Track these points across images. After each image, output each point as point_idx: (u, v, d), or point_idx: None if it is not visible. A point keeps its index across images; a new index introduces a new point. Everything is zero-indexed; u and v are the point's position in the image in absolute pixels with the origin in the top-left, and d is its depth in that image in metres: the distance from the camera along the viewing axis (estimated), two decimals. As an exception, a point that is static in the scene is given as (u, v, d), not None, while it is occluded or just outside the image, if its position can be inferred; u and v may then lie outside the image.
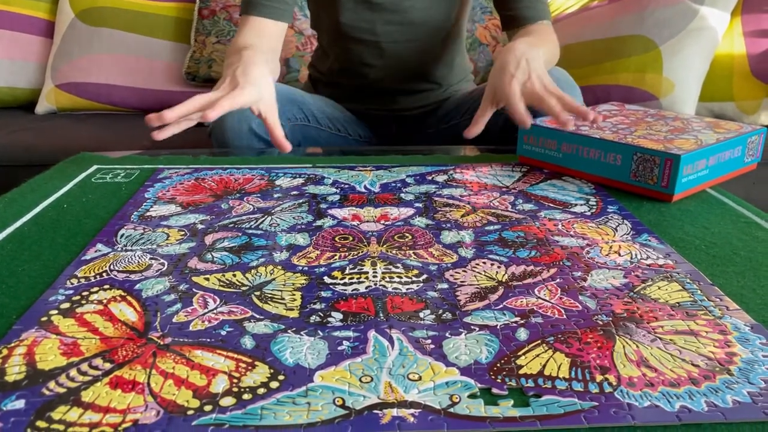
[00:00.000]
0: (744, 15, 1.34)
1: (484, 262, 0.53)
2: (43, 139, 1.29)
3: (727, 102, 1.30)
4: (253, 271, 0.51)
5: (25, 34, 1.61)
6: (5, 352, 0.40)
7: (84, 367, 0.38)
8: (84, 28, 1.58)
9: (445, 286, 0.49)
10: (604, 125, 0.78)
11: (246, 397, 0.36)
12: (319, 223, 0.62)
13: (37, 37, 1.62)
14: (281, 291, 0.48)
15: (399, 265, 0.52)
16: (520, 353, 0.40)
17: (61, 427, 0.33)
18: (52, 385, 0.37)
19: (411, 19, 1.07)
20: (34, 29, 1.62)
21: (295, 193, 0.71)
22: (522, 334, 0.42)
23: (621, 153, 0.70)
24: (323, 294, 0.47)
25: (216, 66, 1.58)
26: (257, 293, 0.48)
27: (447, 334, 0.42)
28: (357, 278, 0.50)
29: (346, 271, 0.51)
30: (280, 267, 0.52)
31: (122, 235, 0.59)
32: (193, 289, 0.48)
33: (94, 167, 0.80)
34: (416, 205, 0.67)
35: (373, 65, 1.11)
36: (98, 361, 0.39)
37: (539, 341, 0.41)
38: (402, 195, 0.70)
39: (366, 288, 0.48)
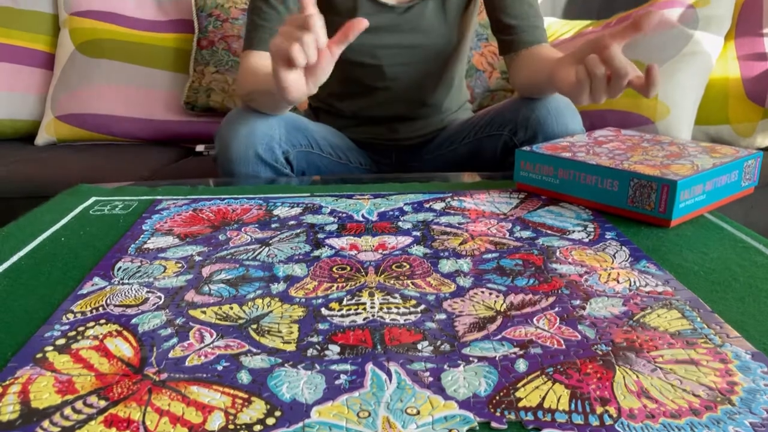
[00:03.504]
0: (737, 39, 1.35)
1: (483, 291, 0.53)
2: (42, 171, 1.30)
3: (722, 125, 1.31)
4: (250, 303, 0.51)
5: (26, 66, 1.62)
6: (0, 390, 0.40)
7: (78, 405, 0.38)
8: (84, 59, 1.60)
9: (444, 316, 0.48)
10: (600, 151, 0.78)
11: (242, 434, 0.35)
12: (316, 253, 0.62)
13: (37, 69, 1.63)
14: (278, 324, 0.48)
15: (397, 295, 0.52)
16: (519, 385, 0.39)
17: (54, 469, 0.33)
18: (46, 424, 0.36)
19: (412, 43, 1.08)
20: (34, 61, 1.64)
21: (292, 222, 0.71)
22: (521, 365, 0.42)
23: (618, 179, 0.70)
24: (320, 326, 0.47)
25: (214, 95, 1.59)
26: (254, 326, 0.47)
27: (445, 366, 0.41)
28: (354, 309, 0.50)
29: (344, 303, 0.51)
30: (277, 299, 0.52)
31: (119, 269, 0.58)
32: (190, 323, 0.48)
33: (92, 199, 0.81)
34: (414, 233, 0.67)
35: (374, 88, 1.12)
36: (93, 399, 0.39)
37: (538, 372, 0.41)
38: (400, 223, 0.70)
39: (363, 319, 0.48)
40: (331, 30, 1.07)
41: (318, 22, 0.70)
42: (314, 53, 0.71)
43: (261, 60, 0.99)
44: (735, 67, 1.32)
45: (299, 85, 0.75)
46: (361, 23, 0.71)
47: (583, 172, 0.73)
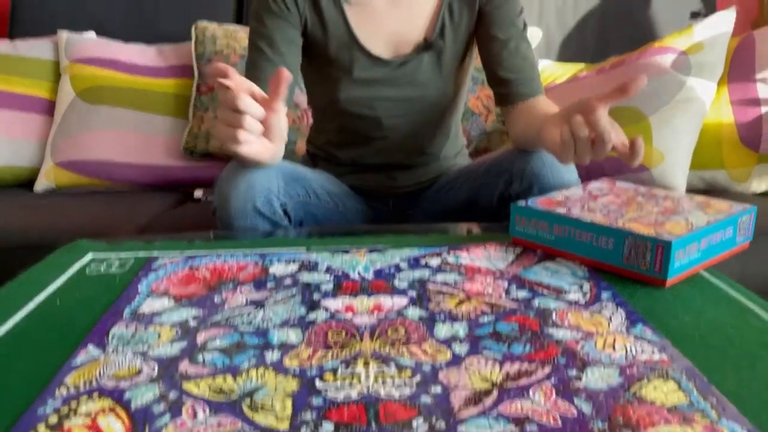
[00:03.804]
0: (730, 84, 1.37)
1: (479, 360, 0.52)
2: (40, 220, 1.30)
3: (718, 170, 1.32)
4: (244, 374, 0.51)
5: (26, 113, 1.64)
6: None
7: (68, 493, 0.38)
8: (84, 106, 1.61)
9: (439, 389, 0.48)
10: (595, 206, 0.78)
11: None
12: (312, 316, 0.61)
13: (37, 116, 1.65)
14: (272, 398, 0.47)
15: (392, 364, 0.52)
16: (514, 468, 0.39)
17: None
18: None
19: (408, 96, 1.09)
20: (35, 108, 1.65)
21: (288, 281, 0.71)
22: (516, 444, 0.41)
23: (613, 237, 0.70)
24: (314, 401, 0.47)
25: (213, 141, 1.61)
26: (248, 401, 0.47)
27: (440, 447, 0.41)
28: (349, 381, 0.49)
29: (339, 374, 0.50)
30: (271, 369, 0.51)
31: (113, 335, 0.58)
32: (183, 397, 0.47)
33: (89, 256, 0.81)
34: (410, 293, 0.67)
35: (372, 138, 1.13)
36: (83, 486, 0.38)
37: (534, 453, 0.40)
38: (395, 282, 0.70)
39: (358, 394, 0.48)
40: (329, 82, 1.09)
41: (247, 99, 0.71)
42: (258, 127, 0.74)
43: None
44: (728, 112, 1.34)
45: (264, 149, 0.78)
46: (284, 73, 0.73)
47: (578, 229, 0.74)
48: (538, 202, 0.81)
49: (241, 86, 0.72)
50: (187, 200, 1.54)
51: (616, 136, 0.75)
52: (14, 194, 1.54)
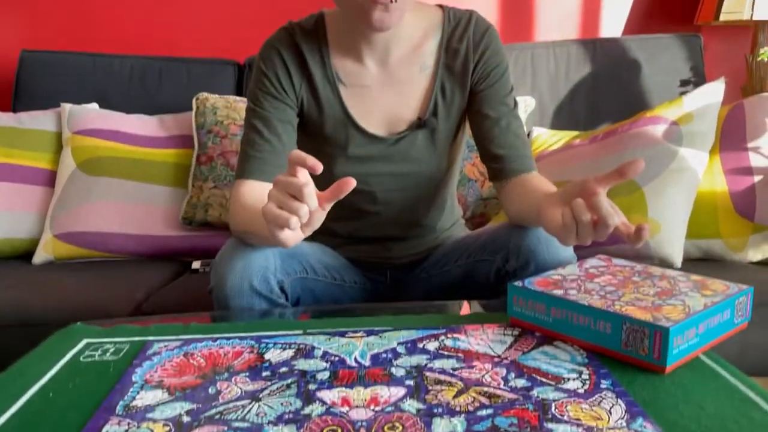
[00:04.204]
0: (722, 153, 1.39)
1: (476, 460, 0.51)
2: (37, 297, 1.30)
3: (714, 239, 1.33)
4: (237, 479, 0.50)
5: (27, 185, 1.65)
6: None
7: None
8: (84, 177, 1.63)
9: (436, 496, 0.47)
10: (592, 287, 0.78)
11: None
12: (307, 410, 0.61)
13: (38, 187, 1.66)
14: (266, 507, 0.46)
15: (388, 466, 0.51)
16: None
17: None
18: None
19: (403, 171, 1.11)
20: (36, 179, 1.67)
21: (284, 369, 0.70)
22: None
23: (611, 322, 0.70)
24: None
25: (212, 210, 1.62)
26: None
27: None
28: (345, 487, 0.48)
29: (334, 478, 0.49)
30: (265, 472, 0.50)
31: (106, 434, 0.57)
32: (175, 507, 0.46)
33: (84, 342, 0.80)
34: (407, 382, 0.66)
35: (367, 212, 1.14)
36: None
37: None
38: (393, 369, 0.69)
39: (353, 502, 0.46)
40: (324, 159, 1.10)
41: (311, 190, 0.73)
42: (307, 217, 0.74)
43: (253, 191, 1.01)
44: (722, 181, 1.35)
45: (296, 237, 0.78)
46: (350, 183, 0.74)
47: (575, 312, 0.73)
48: (534, 283, 0.81)
49: (310, 180, 0.74)
50: (186, 271, 1.54)
51: (618, 218, 0.76)
52: (12, 267, 1.53)
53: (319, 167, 0.73)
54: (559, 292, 0.77)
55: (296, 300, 1.04)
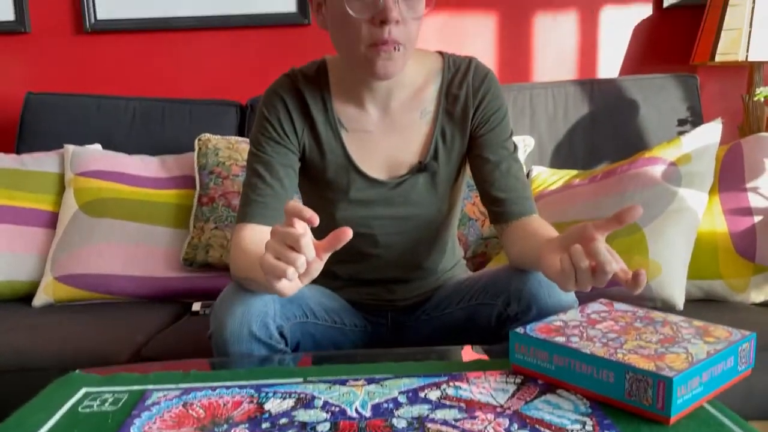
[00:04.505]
0: (721, 194, 1.40)
1: None
2: (37, 340, 1.29)
3: (715, 280, 1.32)
4: None
5: (29, 226, 1.66)
6: None
7: None
8: (86, 219, 1.63)
9: None
10: (594, 334, 0.78)
11: None
12: (308, 465, 0.60)
13: (39, 229, 1.67)
14: None
15: None
16: None
17: None
18: None
19: (404, 214, 1.11)
20: (38, 221, 1.67)
21: (284, 420, 0.69)
22: None
23: (613, 371, 0.69)
24: None
25: (213, 251, 1.62)
26: None
27: None
28: None
29: None
30: None
31: (103, 491, 0.56)
32: None
33: (83, 391, 0.80)
34: (409, 434, 0.65)
35: (368, 255, 1.14)
36: None
37: None
38: (394, 420, 0.68)
39: None
40: (326, 202, 1.11)
41: (308, 240, 0.73)
42: (305, 268, 0.74)
43: (254, 235, 1.02)
44: (722, 222, 1.35)
45: (293, 287, 0.78)
46: (347, 233, 0.75)
47: (578, 361, 0.73)
48: (536, 329, 0.80)
49: (307, 230, 0.74)
50: (186, 313, 1.53)
51: (616, 264, 0.76)
52: (12, 310, 1.52)
53: (316, 220, 0.73)
54: (561, 339, 0.77)
55: (296, 344, 1.03)
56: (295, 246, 0.73)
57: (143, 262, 1.60)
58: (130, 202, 1.67)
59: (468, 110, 1.08)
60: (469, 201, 1.75)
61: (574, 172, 1.70)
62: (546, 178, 1.74)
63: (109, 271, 1.57)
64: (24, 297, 1.60)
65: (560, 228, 1.43)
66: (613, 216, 0.75)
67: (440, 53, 1.12)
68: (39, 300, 1.56)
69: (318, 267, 0.78)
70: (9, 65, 2.11)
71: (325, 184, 1.10)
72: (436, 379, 0.80)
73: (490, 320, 1.03)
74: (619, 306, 0.90)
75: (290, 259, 0.73)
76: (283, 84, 1.08)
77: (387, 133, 1.08)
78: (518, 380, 0.78)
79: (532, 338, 0.78)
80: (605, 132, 1.82)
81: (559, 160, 1.83)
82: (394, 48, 0.95)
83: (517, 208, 1.06)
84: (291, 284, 0.77)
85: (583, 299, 0.96)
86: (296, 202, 0.75)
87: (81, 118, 1.88)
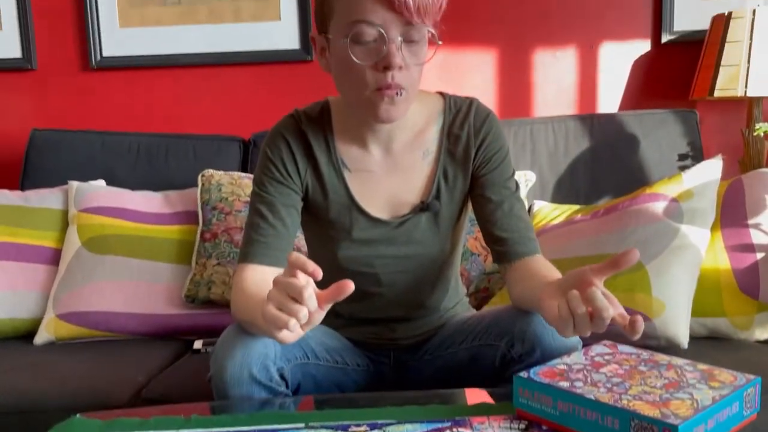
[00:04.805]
0: (724, 230, 1.40)
1: None
2: (37, 380, 1.28)
3: (719, 318, 1.32)
4: None
5: (32, 263, 1.66)
6: None
7: None
8: (89, 256, 1.64)
9: None
10: (598, 379, 0.78)
11: None
12: None
13: (42, 266, 1.67)
14: None
15: None
16: None
17: None
18: None
19: (406, 253, 1.12)
20: (40, 258, 1.67)
21: (287, 469, 0.69)
22: None
23: (618, 417, 0.69)
24: None
25: (215, 288, 1.62)
26: None
27: None
28: None
29: None
30: None
31: None
32: None
33: (83, 438, 0.79)
34: (412, 484, 0.64)
35: (371, 294, 1.14)
36: None
37: None
38: (397, 469, 0.68)
39: None
40: (328, 241, 1.12)
41: (311, 292, 0.74)
42: (307, 319, 0.75)
43: (256, 276, 1.02)
44: (725, 258, 1.35)
45: (295, 336, 0.79)
46: (349, 287, 0.75)
47: (582, 407, 0.72)
48: (540, 373, 0.80)
49: (310, 281, 0.75)
50: (188, 350, 1.53)
51: (614, 309, 0.76)
52: (13, 348, 1.52)
53: (319, 274, 0.74)
54: (565, 384, 0.76)
55: (297, 386, 1.02)
56: (297, 297, 0.74)
57: (145, 299, 1.60)
58: (132, 239, 1.67)
59: (470, 150, 1.09)
60: (471, 236, 1.75)
61: (576, 206, 1.71)
62: (548, 212, 1.74)
63: (110, 309, 1.57)
64: (25, 334, 1.60)
65: (562, 264, 1.43)
66: (610, 260, 0.75)
67: (441, 94, 1.14)
68: (40, 338, 1.56)
69: (319, 317, 0.78)
70: (15, 102, 2.14)
71: (328, 223, 1.10)
72: (440, 425, 0.79)
73: (493, 361, 1.02)
74: (624, 348, 0.89)
75: (292, 311, 0.74)
76: (287, 125, 1.10)
77: (389, 174, 1.09)
78: (522, 426, 0.78)
79: (536, 383, 0.78)
80: (606, 166, 1.83)
81: (560, 195, 1.84)
82: (397, 93, 0.96)
83: (520, 248, 1.06)
84: (292, 333, 0.78)
85: (587, 340, 0.95)
86: (299, 255, 0.75)
87: (85, 154, 1.90)
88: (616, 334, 0.99)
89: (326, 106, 1.12)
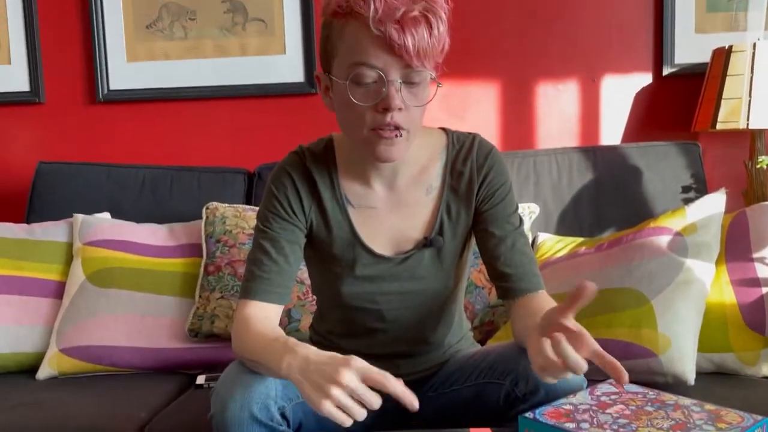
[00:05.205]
0: (728, 264, 1.39)
1: None
2: (40, 416, 1.27)
3: (726, 353, 1.31)
4: None
5: (35, 297, 1.66)
6: None
7: None
8: (93, 289, 1.64)
9: None
10: (605, 420, 0.77)
11: None
12: None
13: (46, 299, 1.67)
14: None
15: None
16: None
17: None
18: None
19: (410, 289, 1.12)
20: (44, 292, 1.67)
21: None
22: None
23: (625, 461, 0.68)
24: None
25: (218, 321, 1.61)
26: None
27: None
28: None
29: None
30: None
31: None
32: None
33: (84, 479, 0.78)
34: None
35: (374, 330, 1.14)
36: None
37: None
38: None
39: None
40: (332, 277, 1.12)
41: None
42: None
43: (259, 314, 1.02)
44: (730, 293, 1.35)
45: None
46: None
47: (588, 450, 0.72)
48: (545, 414, 0.79)
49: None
50: (191, 384, 1.52)
51: (587, 353, 0.76)
52: (15, 383, 1.51)
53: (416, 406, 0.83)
54: (571, 425, 0.76)
55: (299, 425, 1.02)
56: (366, 403, 0.81)
57: (148, 333, 1.59)
58: (136, 272, 1.67)
59: (473, 186, 1.09)
60: (475, 268, 1.75)
61: (580, 239, 1.70)
62: (551, 245, 1.74)
63: (113, 343, 1.56)
64: (29, 369, 1.59)
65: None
66: (569, 297, 0.78)
67: (444, 130, 1.14)
68: (43, 373, 1.55)
69: None
70: (23, 135, 2.16)
71: (332, 259, 1.10)
72: (444, 467, 0.78)
73: (498, 399, 1.01)
74: (630, 387, 0.89)
75: (355, 414, 0.81)
76: (292, 162, 1.10)
77: (393, 210, 1.09)
78: (528, 468, 0.77)
79: (541, 424, 0.77)
80: (609, 198, 1.83)
81: (564, 227, 1.84)
82: (396, 135, 0.97)
83: (523, 285, 1.06)
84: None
85: (592, 375, 0.95)
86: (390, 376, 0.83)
87: (91, 187, 1.91)
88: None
89: (330, 143, 1.13)
